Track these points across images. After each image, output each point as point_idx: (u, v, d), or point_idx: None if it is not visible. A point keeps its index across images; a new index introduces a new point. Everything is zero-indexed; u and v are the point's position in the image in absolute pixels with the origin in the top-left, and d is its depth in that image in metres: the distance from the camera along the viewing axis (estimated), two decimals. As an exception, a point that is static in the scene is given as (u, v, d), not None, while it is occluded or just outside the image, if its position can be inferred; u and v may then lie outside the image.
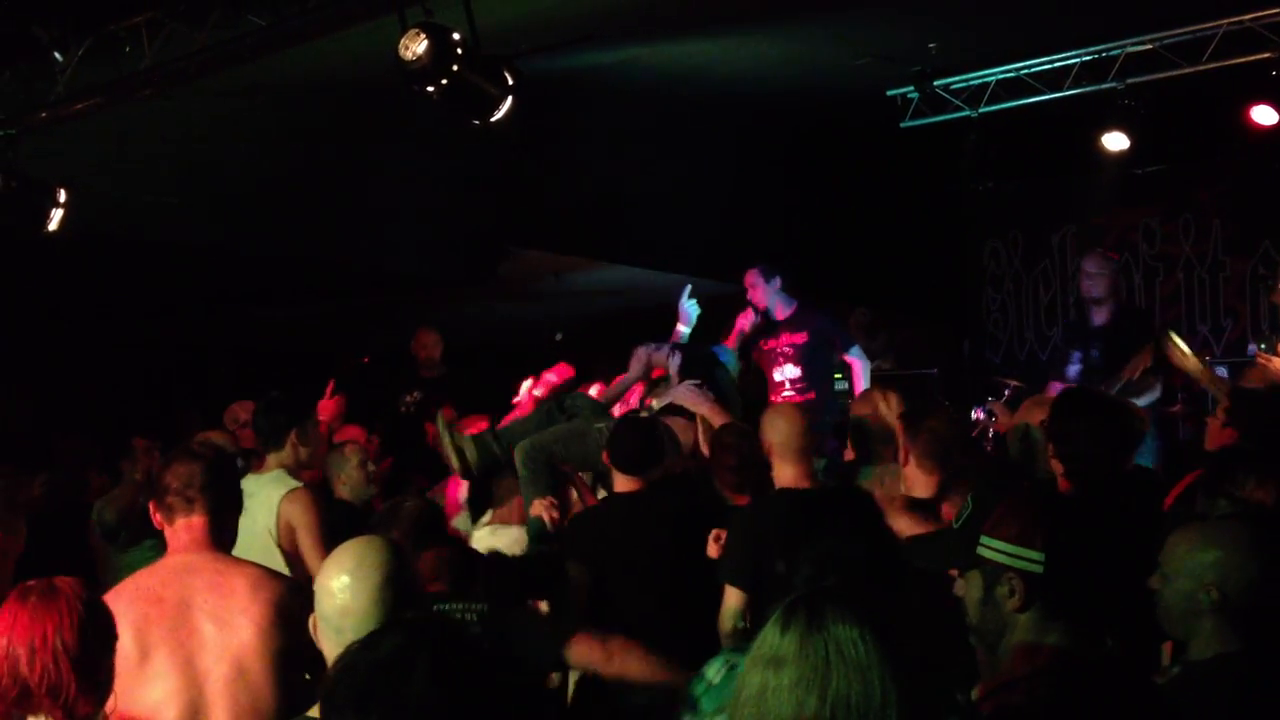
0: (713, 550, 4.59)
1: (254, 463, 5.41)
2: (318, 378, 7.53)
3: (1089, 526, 2.62)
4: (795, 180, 10.52)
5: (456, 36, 5.27)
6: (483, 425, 6.50)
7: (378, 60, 5.66)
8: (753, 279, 7.80)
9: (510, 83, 5.49)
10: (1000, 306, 11.55)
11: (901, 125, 9.90)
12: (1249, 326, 9.94)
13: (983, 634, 2.60)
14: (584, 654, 3.87)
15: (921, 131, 9.91)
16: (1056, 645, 2.48)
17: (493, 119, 5.55)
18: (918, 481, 4.26)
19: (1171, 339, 5.76)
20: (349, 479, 5.56)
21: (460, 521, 5.86)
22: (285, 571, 4.31)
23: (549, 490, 5.45)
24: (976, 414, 8.37)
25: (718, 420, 5.73)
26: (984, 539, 2.57)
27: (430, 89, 5.32)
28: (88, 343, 10.69)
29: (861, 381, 7.64)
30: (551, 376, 6.94)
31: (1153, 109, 9.04)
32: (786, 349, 7.70)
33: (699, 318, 6.89)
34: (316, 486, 5.21)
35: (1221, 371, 8.21)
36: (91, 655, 2.76)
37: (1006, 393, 8.77)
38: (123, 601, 3.15)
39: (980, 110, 9.68)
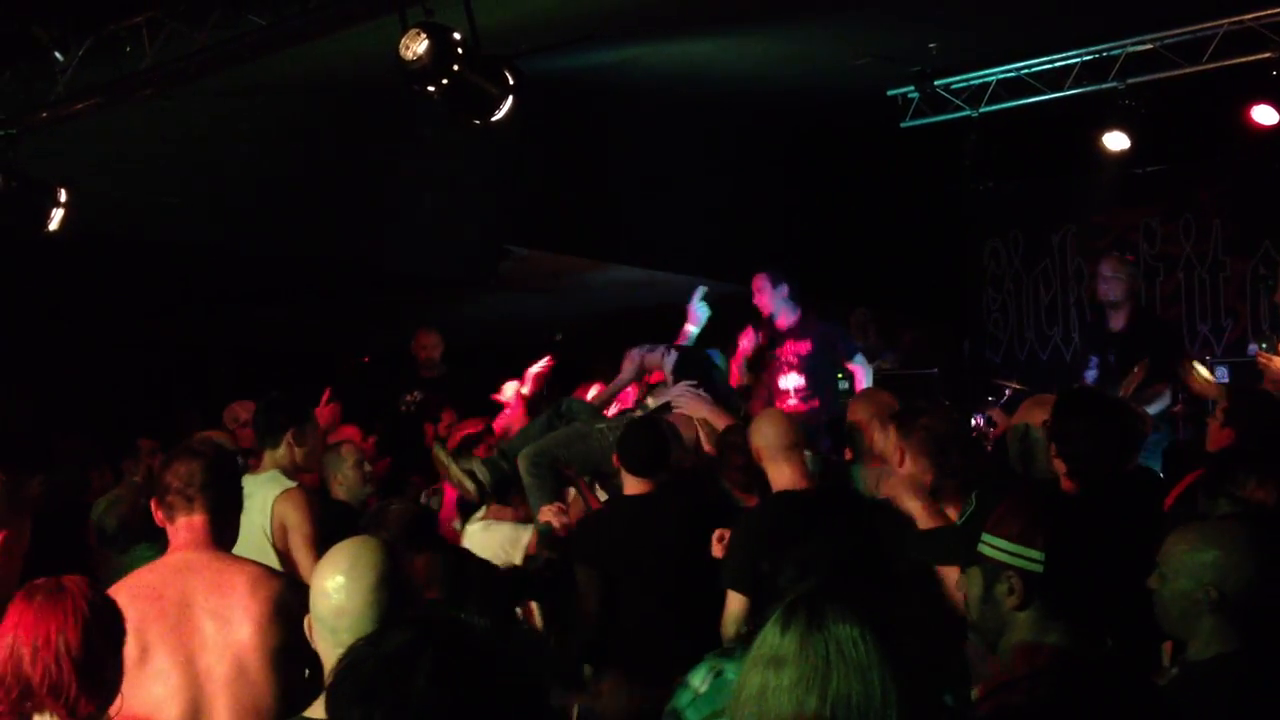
0: (716, 550, 4.60)
1: (250, 462, 5.41)
2: (318, 378, 7.52)
3: (1090, 526, 2.63)
4: (795, 180, 10.52)
5: (457, 36, 5.27)
6: (479, 426, 6.50)
7: (378, 60, 5.66)
8: (760, 284, 7.77)
9: (511, 83, 5.48)
10: (1000, 306, 11.55)
11: (902, 125, 9.91)
12: (1249, 326, 9.94)
13: (982, 631, 2.60)
14: None
15: (922, 131, 9.91)
16: (1056, 645, 2.48)
17: (493, 119, 5.55)
18: (910, 480, 4.24)
19: (1194, 368, 5.79)
20: (345, 479, 5.56)
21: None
22: (281, 571, 4.31)
23: (555, 495, 5.45)
24: (976, 420, 8.38)
25: (720, 422, 5.74)
26: (985, 536, 2.57)
27: (431, 89, 5.32)
28: (88, 343, 10.68)
29: (864, 388, 7.64)
30: (534, 369, 6.95)
31: (1153, 109, 9.05)
32: (791, 358, 7.70)
33: (706, 318, 6.89)
34: (313, 488, 5.20)
35: (1222, 373, 8.22)
36: (95, 656, 2.76)
37: (1007, 393, 8.77)
38: (123, 600, 3.15)
39: (981, 110, 9.68)
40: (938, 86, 9.54)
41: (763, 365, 7.72)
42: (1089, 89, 9.09)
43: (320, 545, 4.21)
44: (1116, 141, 9.26)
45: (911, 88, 9.63)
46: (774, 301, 7.74)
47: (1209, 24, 8.31)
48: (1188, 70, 8.55)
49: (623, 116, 9.62)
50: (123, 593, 3.27)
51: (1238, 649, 2.74)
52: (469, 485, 5.59)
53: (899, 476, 4.22)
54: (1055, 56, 9.13)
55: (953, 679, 2.95)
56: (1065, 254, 11.17)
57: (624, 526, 4.95)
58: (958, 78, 9.56)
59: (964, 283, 11.70)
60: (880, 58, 8.76)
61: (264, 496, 4.77)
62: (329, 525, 4.73)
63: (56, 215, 7.16)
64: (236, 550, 3.65)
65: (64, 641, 2.72)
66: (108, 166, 7.81)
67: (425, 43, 5.22)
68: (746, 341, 7.67)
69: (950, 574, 3.48)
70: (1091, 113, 9.26)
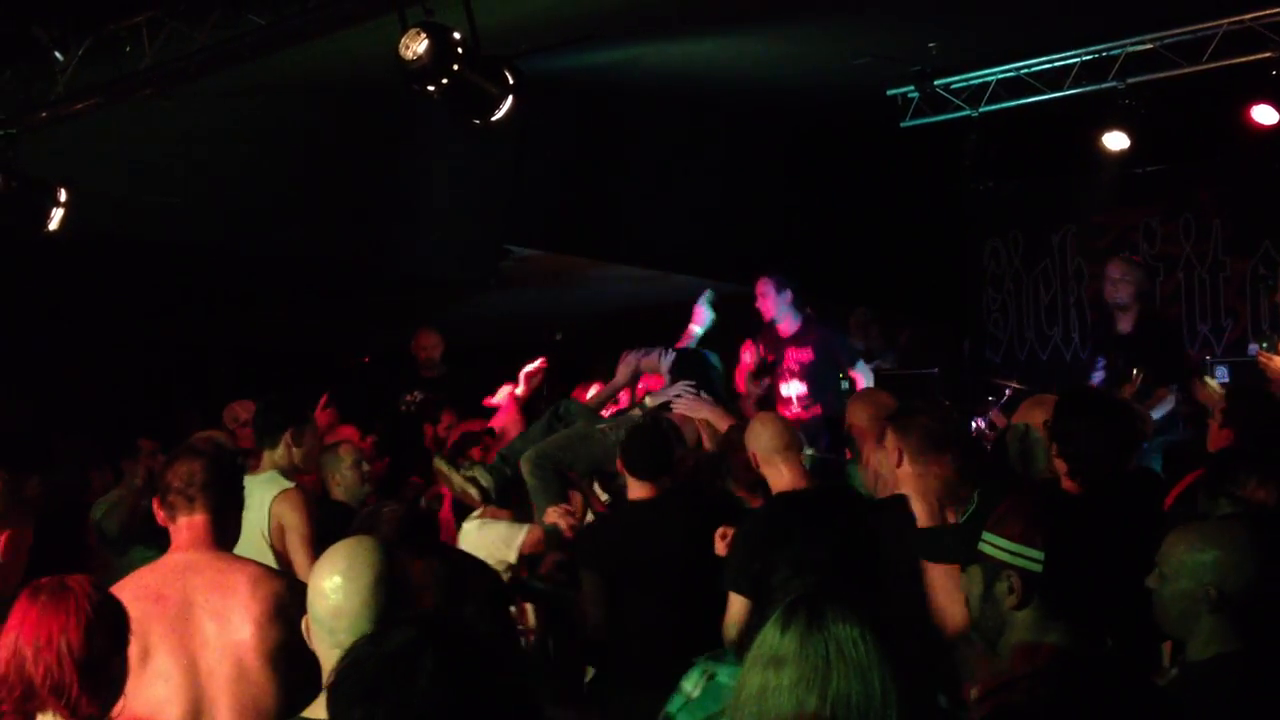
0: (720, 547, 4.60)
1: (249, 462, 5.41)
2: (318, 378, 7.52)
3: (1091, 527, 2.62)
4: (795, 180, 10.51)
5: (457, 36, 5.27)
6: (479, 426, 6.51)
7: (378, 60, 5.65)
8: (764, 288, 7.73)
9: (511, 82, 5.48)
10: (1000, 306, 11.54)
11: (902, 125, 9.90)
12: (1249, 326, 9.94)
13: (982, 630, 2.61)
14: None
15: (922, 131, 9.91)
16: (1056, 645, 2.48)
17: (493, 119, 5.55)
18: (911, 480, 4.24)
19: (1206, 382, 5.82)
20: (343, 479, 5.56)
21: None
22: (279, 572, 4.31)
23: (560, 496, 5.45)
24: (977, 423, 8.38)
25: (721, 423, 5.75)
26: (986, 535, 2.57)
27: (431, 88, 5.32)
28: (88, 343, 10.67)
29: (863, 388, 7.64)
30: (528, 368, 6.95)
31: (1153, 108, 9.05)
32: (793, 365, 7.70)
33: (712, 321, 6.89)
34: (310, 488, 5.21)
35: (1222, 373, 8.21)
36: (97, 656, 2.76)
37: (1007, 392, 8.76)
38: (125, 600, 3.15)
39: (980, 110, 9.68)
40: (938, 86, 9.53)
41: (768, 372, 7.72)
42: (1089, 89, 9.08)
43: (318, 546, 4.22)
44: (1116, 141, 9.26)
45: (911, 87, 9.63)
46: (777, 307, 7.71)
47: (1209, 24, 8.31)
48: (1188, 70, 8.54)
49: (622, 116, 9.62)
50: (124, 593, 3.27)
51: (1237, 649, 2.74)
52: (472, 491, 5.59)
53: (897, 477, 4.21)
54: (1055, 56, 9.12)
55: (944, 680, 2.95)
56: (1065, 254, 11.16)
57: (627, 532, 4.96)
58: (958, 77, 9.56)
59: (964, 282, 11.70)
60: (880, 57, 8.76)
61: (262, 497, 4.78)
62: (327, 526, 4.74)
63: (56, 215, 7.16)
64: (236, 550, 3.65)
65: (66, 642, 2.72)
66: (107, 166, 7.81)
67: (425, 42, 5.22)
68: (749, 355, 7.69)
69: (942, 573, 3.49)
70: (1091, 112, 9.26)
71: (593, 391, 6.83)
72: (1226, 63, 8.34)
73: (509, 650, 3.52)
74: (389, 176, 9.03)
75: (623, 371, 6.28)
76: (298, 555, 4.68)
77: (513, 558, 5.36)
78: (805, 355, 7.67)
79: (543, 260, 10.26)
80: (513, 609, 4.86)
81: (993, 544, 2.56)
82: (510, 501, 5.66)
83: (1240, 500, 3.58)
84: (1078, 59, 9.04)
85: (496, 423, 6.74)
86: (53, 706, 2.73)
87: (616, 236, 10.05)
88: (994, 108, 9.60)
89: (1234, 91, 8.76)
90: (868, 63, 8.80)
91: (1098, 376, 7.33)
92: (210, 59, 6.28)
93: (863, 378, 7.70)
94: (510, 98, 5.50)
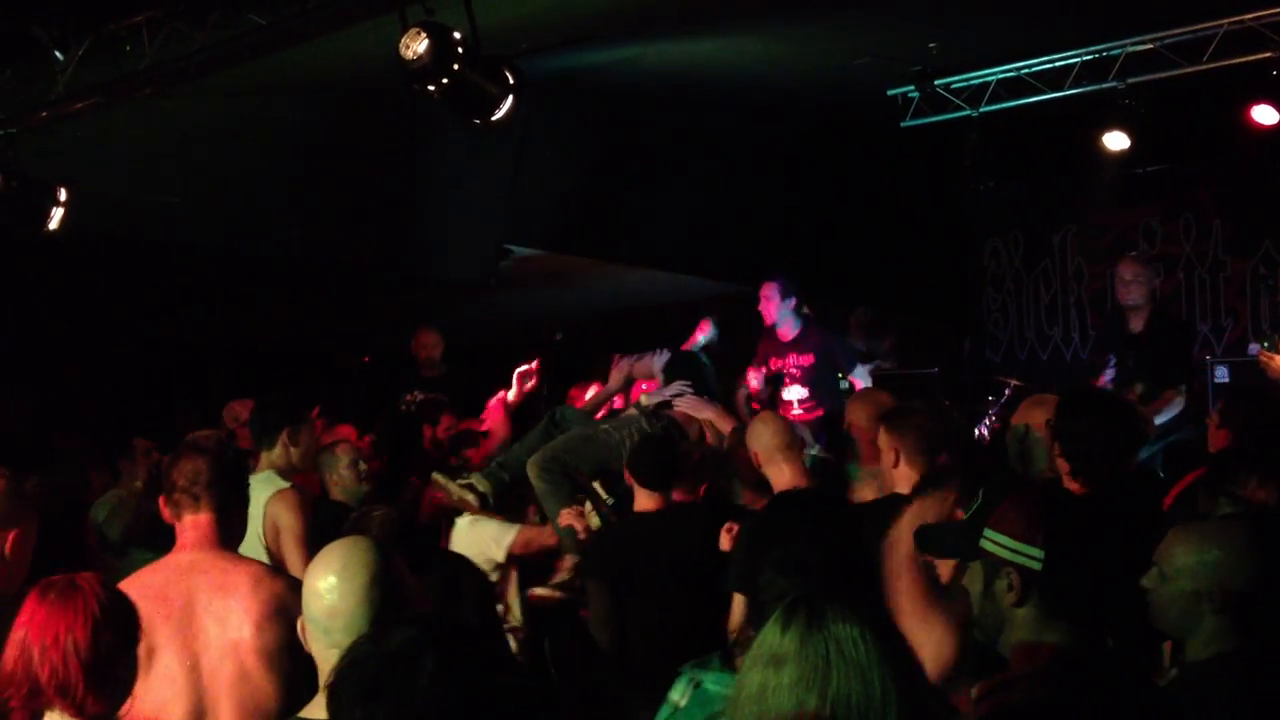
0: (725, 543, 4.61)
1: (249, 462, 5.41)
2: (318, 378, 7.52)
3: (1091, 526, 2.62)
4: (796, 180, 10.51)
5: (457, 36, 5.27)
6: (477, 425, 6.51)
7: (378, 60, 5.65)
8: (769, 292, 7.73)
9: (511, 82, 5.48)
10: (1001, 306, 11.55)
11: (902, 125, 9.90)
12: (1249, 326, 9.94)
13: (983, 627, 2.61)
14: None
15: (922, 131, 9.91)
16: (1057, 644, 2.48)
17: (493, 119, 5.55)
18: (907, 480, 4.24)
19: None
20: (340, 479, 5.56)
21: None
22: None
23: (571, 498, 5.45)
24: (981, 430, 8.40)
25: (723, 424, 5.75)
26: (987, 532, 2.57)
27: (431, 88, 5.32)
28: (88, 343, 10.68)
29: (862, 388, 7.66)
30: (522, 368, 6.96)
31: (1153, 108, 9.04)
32: (794, 370, 7.74)
33: (715, 340, 6.89)
34: (306, 487, 5.20)
35: (1222, 373, 8.21)
36: (104, 656, 2.76)
37: (1007, 392, 8.76)
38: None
39: (981, 110, 9.68)
40: (938, 86, 9.53)
41: (774, 383, 7.77)
42: (1089, 89, 9.08)
43: (313, 546, 4.22)
44: (1116, 141, 9.26)
45: (912, 87, 9.63)
46: (779, 312, 7.72)
47: (1209, 24, 8.30)
48: (1188, 70, 8.54)
49: (623, 116, 9.61)
50: (129, 592, 3.26)
51: (1236, 648, 2.74)
52: (470, 498, 5.59)
53: (894, 477, 4.21)
54: (1055, 56, 9.12)
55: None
56: (1065, 254, 11.16)
57: (634, 542, 4.97)
58: (958, 77, 9.55)
59: (964, 282, 11.70)
60: (880, 57, 8.76)
61: (258, 497, 4.78)
62: (326, 527, 4.73)
63: (56, 215, 7.16)
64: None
65: (72, 641, 2.72)
66: (108, 166, 7.81)
67: (425, 42, 5.22)
68: (756, 381, 7.71)
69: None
70: (1092, 112, 9.26)
71: (591, 393, 6.84)
72: (1227, 63, 8.33)
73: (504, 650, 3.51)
74: (389, 176, 9.03)
75: (615, 377, 6.28)
76: (291, 555, 4.68)
77: (501, 556, 5.42)
78: (806, 359, 7.70)
79: (543, 260, 10.26)
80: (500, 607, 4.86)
81: (993, 541, 2.55)
82: (506, 507, 5.67)
83: (1240, 500, 3.58)
84: (1078, 59, 9.04)
85: (484, 425, 6.75)
86: (59, 705, 2.73)
87: (616, 236, 10.05)
88: (994, 108, 9.60)
89: (1234, 91, 8.76)
90: (868, 63, 8.80)
91: (1109, 374, 7.30)
92: (210, 59, 6.28)
93: (862, 382, 7.72)
94: (510, 97, 5.51)
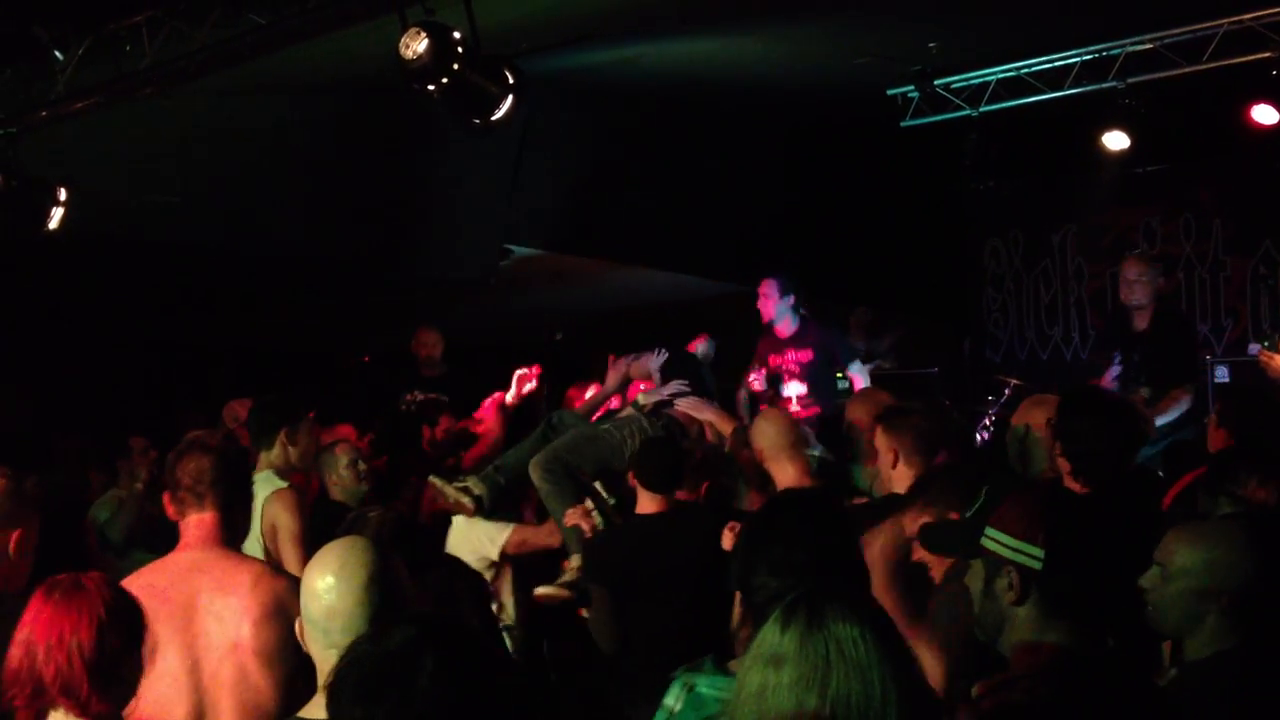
0: (727, 542, 4.61)
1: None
2: (318, 378, 7.52)
3: (1092, 525, 2.62)
4: (795, 180, 10.51)
5: (457, 35, 5.27)
6: (474, 426, 6.51)
7: (378, 60, 5.65)
8: (768, 289, 7.75)
9: (511, 82, 5.48)
10: (1001, 306, 11.55)
11: (902, 124, 9.90)
12: (1249, 326, 9.94)
13: (983, 626, 2.61)
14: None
15: (922, 130, 9.91)
16: (1057, 644, 2.48)
17: (493, 118, 5.54)
18: (905, 481, 4.24)
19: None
20: (340, 479, 5.56)
21: None
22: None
23: (576, 498, 5.45)
24: (981, 436, 8.41)
25: (723, 425, 5.75)
26: (988, 530, 2.57)
27: (431, 88, 5.31)
28: (88, 343, 10.68)
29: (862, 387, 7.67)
30: (521, 371, 6.95)
31: (1153, 108, 9.04)
32: (793, 366, 7.74)
33: (711, 355, 6.90)
34: (302, 486, 5.20)
35: (1222, 372, 8.20)
36: (108, 656, 2.76)
37: (1007, 392, 8.77)
38: (131, 597, 3.16)
39: (981, 109, 9.68)
40: (938, 86, 9.53)
41: (775, 383, 7.79)
42: (1089, 88, 9.08)
43: (311, 546, 4.22)
44: (1116, 141, 9.26)
45: (912, 87, 9.63)
46: (777, 309, 7.74)
47: (1209, 23, 8.30)
48: (1188, 70, 8.54)
49: (623, 116, 9.62)
50: (131, 591, 3.27)
51: (1235, 647, 2.74)
52: (466, 502, 5.59)
53: (891, 477, 4.21)
54: (1055, 56, 9.12)
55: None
56: (1065, 253, 11.17)
57: (636, 546, 4.97)
58: (958, 77, 9.56)
59: (964, 282, 11.70)
60: (880, 57, 8.76)
61: (257, 497, 4.77)
62: (325, 527, 4.73)
63: (56, 214, 7.17)
64: (235, 550, 3.65)
65: (77, 641, 2.72)
66: (107, 166, 7.81)
67: (425, 42, 5.21)
68: (758, 382, 7.74)
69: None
70: (1091, 112, 9.26)
71: (590, 393, 6.83)
72: (1226, 62, 8.33)
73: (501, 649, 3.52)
74: (389, 176, 9.03)
75: (612, 377, 6.26)
76: (288, 555, 4.67)
77: (495, 555, 5.48)
78: (805, 355, 7.71)
79: (543, 260, 10.26)
80: (494, 606, 4.87)
81: (994, 539, 2.56)
82: (502, 510, 5.67)
83: (1241, 500, 3.58)
84: (1078, 59, 9.04)
85: (478, 427, 6.75)
86: (63, 705, 2.73)
87: (616, 236, 10.05)
88: (994, 107, 9.60)
89: (1234, 91, 8.76)
90: (868, 62, 8.80)
91: (1115, 371, 7.27)
92: (210, 58, 6.28)
93: (860, 378, 7.73)
94: (510, 97, 5.50)
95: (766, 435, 4.79)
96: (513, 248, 9.82)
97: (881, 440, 4.30)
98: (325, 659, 2.60)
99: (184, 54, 6.28)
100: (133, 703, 2.84)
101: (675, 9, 7.52)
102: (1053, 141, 9.94)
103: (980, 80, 9.57)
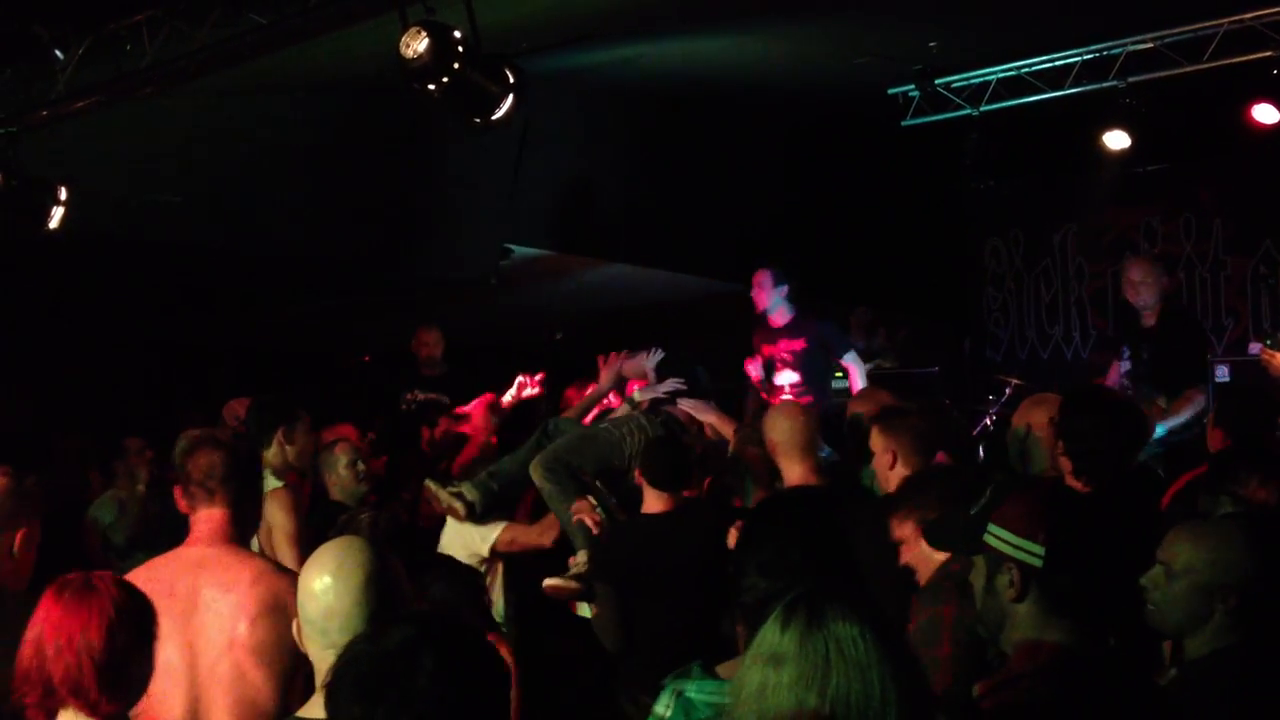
0: (733, 540, 4.60)
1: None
2: (318, 378, 7.51)
3: (1094, 524, 2.62)
4: (795, 179, 10.51)
5: (458, 35, 5.26)
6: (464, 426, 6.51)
7: (379, 59, 5.65)
8: (761, 279, 7.84)
9: (511, 81, 5.47)
10: (1001, 305, 11.55)
11: (902, 124, 9.90)
12: (1250, 325, 9.94)
13: (985, 623, 2.61)
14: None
15: (922, 130, 9.91)
16: (1058, 643, 2.48)
17: (494, 118, 5.54)
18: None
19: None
20: (339, 480, 5.56)
21: None
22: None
23: (578, 497, 5.45)
24: (979, 431, 8.40)
25: (724, 427, 5.75)
26: (991, 527, 2.57)
27: (431, 87, 5.31)
28: (88, 343, 10.67)
29: (859, 384, 7.69)
30: (523, 379, 6.96)
31: (1154, 108, 9.04)
32: (785, 355, 7.80)
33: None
34: (298, 485, 5.20)
35: (1222, 372, 8.18)
36: (118, 656, 2.76)
37: (1008, 391, 8.77)
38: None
39: (981, 109, 9.67)
40: (938, 85, 9.53)
41: (771, 370, 7.82)
42: (1089, 88, 9.07)
43: (307, 545, 4.22)
44: (1117, 140, 9.26)
45: (912, 86, 9.62)
46: (771, 299, 7.81)
47: (1209, 23, 8.30)
48: (1188, 69, 8.53)
49: (623, 116, 9.62)
50: (137, 582, 3.27)
51: (1235, 644, 2.74)
52: (458, 507, 5.60)
53: (889, 478, 4.20)
54: (1056, 55, 9.11)
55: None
56: (1066, 253, 11.16)
57: (642, 544, 4.96)
58: (958, 76, 9.55)
59: (965, 281, 11.70)
60: (881, 56, 8.75)
61: None
62: (324, 527, 4.74)
63: (56, 213, 7.16)
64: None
65: (86, 642, 2.73)
66: (108, 165, 7.81)
67: (426, 41, 5.21)
68: (754, 370, 7.76)
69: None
70: (1092, 111, 9.25)
71: (589, 392, 6.82)
72: (1227, 62, 8.33)
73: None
74: (389, 176, 9.03)
75: (606, 376, 6.26)
76: (284, 555, 4.67)
77: (485, 551, 5.52)
78: (798, 344, 7.76)
79: (543, 260, 10.26)
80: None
81: (996, 536, 2.56)
82: (495, 516, 5.68)
83: (1241, 500, 3.58)
84: (1078, 58, 9.03)
85: (465, 428, 6.75)
86: (72, 704, 2.74)
87: (616, 236, 10.04)
88: (995, 106, 9.60)
89: (1235, 91, 8.76)
90: (868, 61, 8.80)
91: (1124, 366, 7.25)
92: (210, 58, 6.27)
93: (855, 367, 7.78)
94: (511, 97, 5.50)
95: (781, 430, 4.75)
96: (513, 248, 9.81)
97: (879, 441, 4.30)
98: (323, 659, 2.60)
99: (184, 54, 6.27)
100: (143, 701, 2.84)
101: (675, 9, 7.52)
102: (1053, 141, 9.94)
103: (980, 80, 9.57)
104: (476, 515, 5.60)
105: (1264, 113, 8.75)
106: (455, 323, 9.38)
